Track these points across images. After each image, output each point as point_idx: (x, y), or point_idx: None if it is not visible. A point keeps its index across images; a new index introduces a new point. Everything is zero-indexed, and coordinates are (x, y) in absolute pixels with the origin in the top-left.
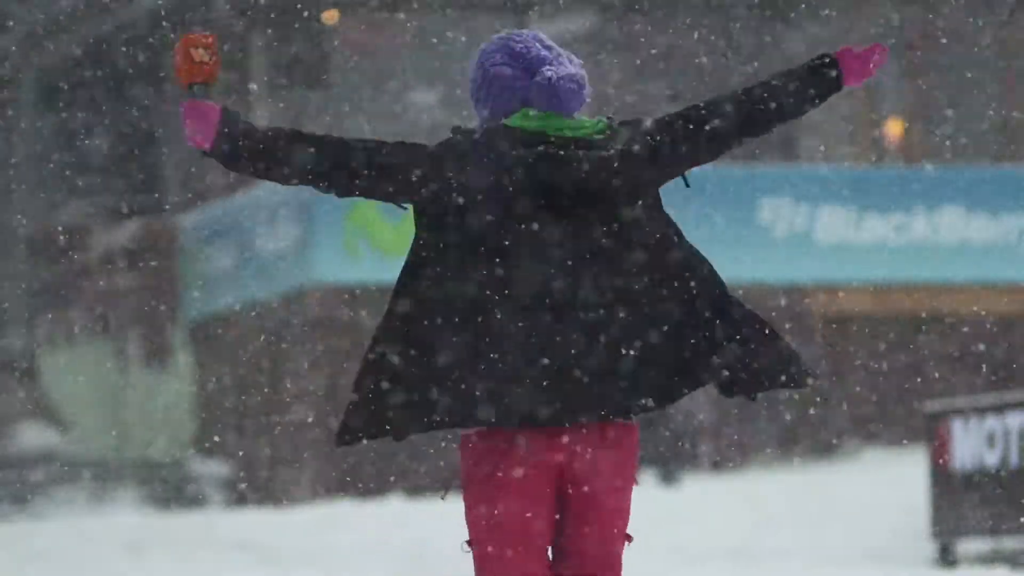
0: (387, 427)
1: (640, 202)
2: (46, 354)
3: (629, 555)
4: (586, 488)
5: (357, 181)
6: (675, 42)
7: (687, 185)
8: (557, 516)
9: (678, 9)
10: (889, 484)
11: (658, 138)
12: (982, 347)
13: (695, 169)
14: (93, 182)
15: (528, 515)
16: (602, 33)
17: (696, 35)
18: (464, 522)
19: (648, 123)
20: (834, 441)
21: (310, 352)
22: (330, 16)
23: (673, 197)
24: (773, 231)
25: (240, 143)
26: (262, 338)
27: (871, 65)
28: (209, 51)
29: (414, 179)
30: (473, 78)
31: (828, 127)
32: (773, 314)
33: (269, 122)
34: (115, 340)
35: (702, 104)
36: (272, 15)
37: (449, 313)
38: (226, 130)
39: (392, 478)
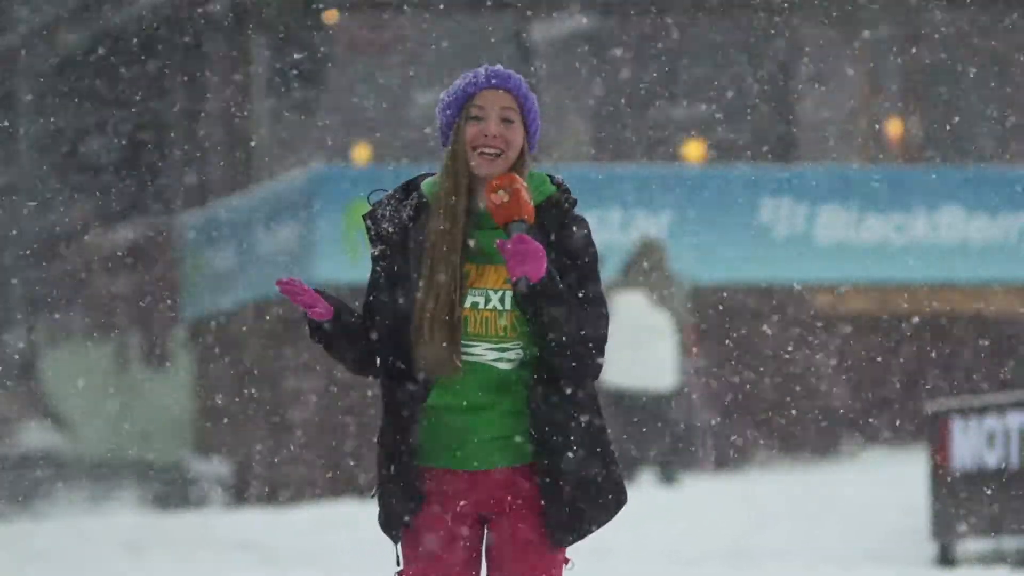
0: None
1: None
2: (46, 354)
3: (630, 554)
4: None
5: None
6: (676, 42)
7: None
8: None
9: (679, 9)
10: (889, 484)
11: None
12: (982, 347)
13: (697, 168)
14: (93, 182)
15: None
16: (603, 33)
17: (697, 35)
18: None
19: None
20: (834, 441)
21: (310, 352)
22: (330, 16)
23: (672, 197)
24: (773, 231)
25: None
26: (262, 338)
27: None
28: (507, 190)
29: None
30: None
31: (828, 127)
32: (774, 315)
33: (268, 121)
34: (115, 340)
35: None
36: (272, 15)
37: None
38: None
39: None
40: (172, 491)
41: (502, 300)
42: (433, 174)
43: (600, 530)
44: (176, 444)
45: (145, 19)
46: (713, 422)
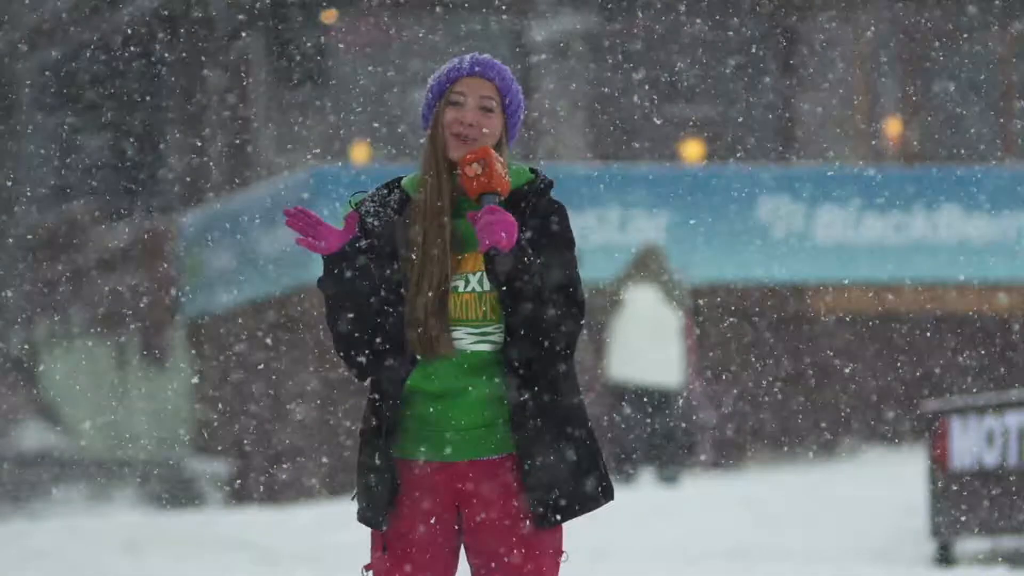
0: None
1: None
2: (46, 354)
3: (630, 554)
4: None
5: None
6: (676, 42)
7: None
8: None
9: (678, 9)
10: (888, 483)
11: None
12: (982, 347)
13: (697, 168)
14: (93, 182)
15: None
16: (602, 33)
17: (697, 36)
18: None
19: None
20: (834, 441)
21: (310, 352)
22: (330, 16)
23: (671, 197)
24: (772, 231)
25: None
26: (262, 338)
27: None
28: (481, 163)
29: None
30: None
31: (828, 127)
32: (773, 314)
33: (268, 121)
34: (115, 340)
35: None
36: (272, 15)
37: None
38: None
39: None
40: (172, 491)
41: (480, 281)
42: (404, 176)
43: (587, 519)
44: (176, 444)
45: (145, 19)
46: (713, 422)
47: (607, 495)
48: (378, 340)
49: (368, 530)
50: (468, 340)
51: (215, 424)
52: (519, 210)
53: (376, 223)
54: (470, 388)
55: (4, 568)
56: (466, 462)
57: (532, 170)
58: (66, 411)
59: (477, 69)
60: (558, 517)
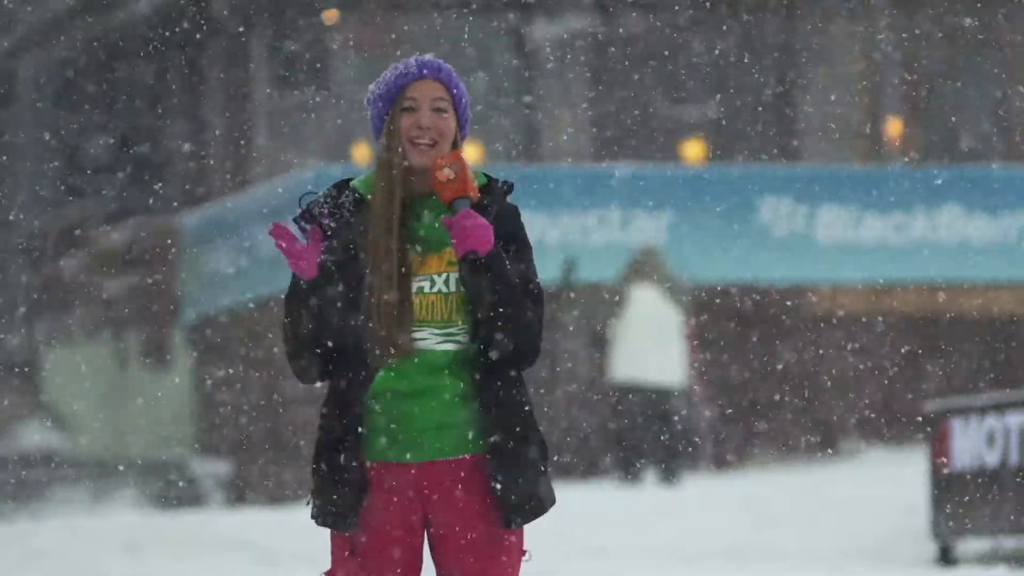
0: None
1: None
2: (46, 354)
3: (630, 554)
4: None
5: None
6: (676, 42)
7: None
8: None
9: (679, 9)
10: (889, 484)
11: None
12: (982, 347)
13: (697, 168)
14: (93, 182)
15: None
16: (602, 33)
17: (697, 35)
18: None
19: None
20: (834, 441)
21: None
22: (330, 16)
23: (672, 197)
24: (773, 231)
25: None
26: (262, 338)
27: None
28: (453, 167)
29: None
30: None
31: (828, 127)
32: (774, 315)
33: (268, 121)
34: (115, 340)
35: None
36: (272, 15)
37: None
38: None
39: None
40: (172, 491)
41: (446, 283)
42: (352, 179)
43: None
44: (176, 444)
45: (145, 19)
46: (713, 421)
47: (554, 496)
48: (340, 343)
49: (327, 534)
50: (433, 340)
51: (215, 424)
52: (482, 210)
53: (332, 224)
54: (437, 388)
55: (5, 568)
56: (433, 462)
57: (484, 173)
58: (67, 411)
59: (426, 72)
60: (528, 517)
